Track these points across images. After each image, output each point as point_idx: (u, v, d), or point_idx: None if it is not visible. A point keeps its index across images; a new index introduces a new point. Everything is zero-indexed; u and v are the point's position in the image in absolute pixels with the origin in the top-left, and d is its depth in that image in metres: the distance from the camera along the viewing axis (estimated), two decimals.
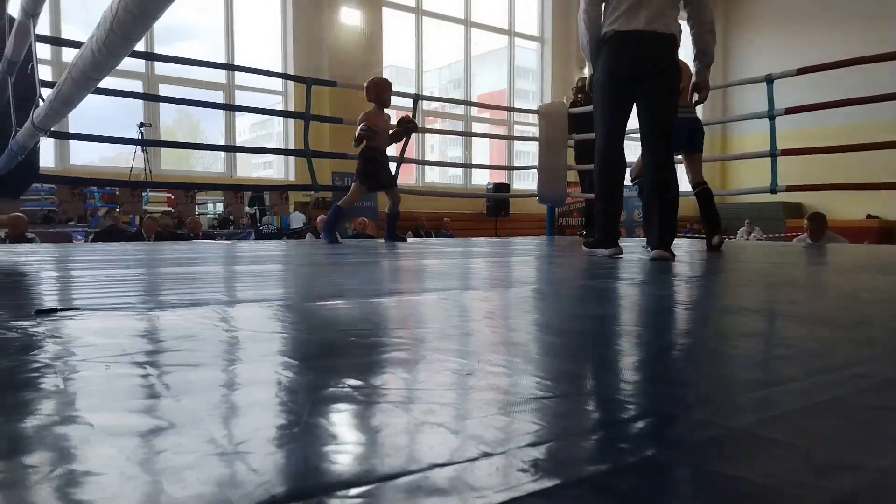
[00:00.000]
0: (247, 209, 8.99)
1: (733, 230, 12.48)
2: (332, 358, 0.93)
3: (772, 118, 4.99)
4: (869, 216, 12.11)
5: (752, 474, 0.49)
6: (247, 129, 11.98)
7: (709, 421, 0.63)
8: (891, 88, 4.60)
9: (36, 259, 3.05)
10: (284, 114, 8.83)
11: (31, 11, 1.95)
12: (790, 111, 4.97)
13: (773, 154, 4.98)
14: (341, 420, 0.63)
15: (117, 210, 7.78)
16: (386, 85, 4.81)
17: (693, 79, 3.24)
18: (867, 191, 9.72)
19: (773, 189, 4.97)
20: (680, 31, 3.05)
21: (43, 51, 6.92)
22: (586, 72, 11.58)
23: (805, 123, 9.64)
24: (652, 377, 0.85)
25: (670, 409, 0.66)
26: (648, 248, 3.14)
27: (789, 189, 5.02)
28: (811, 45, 12.22)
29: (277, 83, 9.32)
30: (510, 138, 11.02)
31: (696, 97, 3.30)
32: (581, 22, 3.05)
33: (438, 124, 11.82)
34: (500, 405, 0.68)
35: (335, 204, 4.99)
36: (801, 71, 4.93)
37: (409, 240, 6.00)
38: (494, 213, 10.50)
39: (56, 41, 6.54)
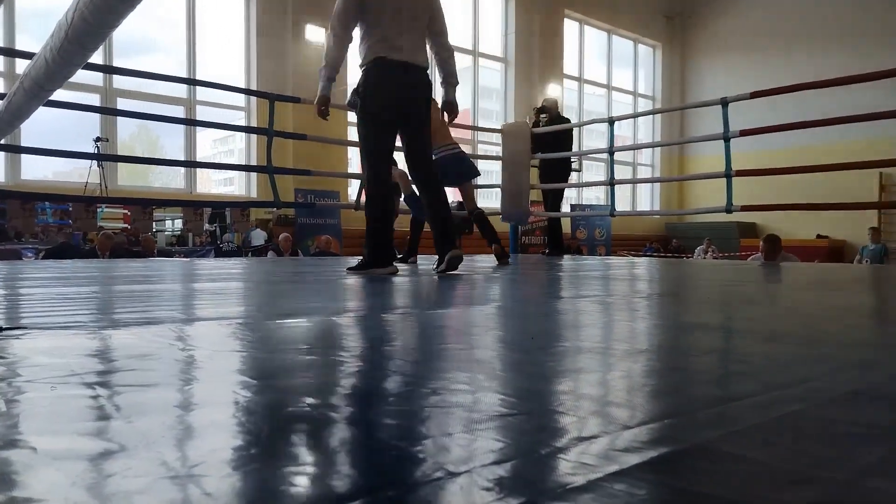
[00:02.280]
0: (206, 226, 8.82)
1: (691, 249, 12.77)
2: (291, 377, 0.91)
3: (727, 140, 5.13)
4: (819, 236, 12.54)
5: (716, 490, 0.50)
6: (208, 145, 11.82)
7: (670, 437, 0.63)
8: (849, 111, 4.80)
9: None
10: (247, 129, 8.73)
11: None
12: (745, 133, 5.13)
13: (728, 175, 5.12)
14: (300, 441, 0.61)
15: (70, 228, 7.55)
16: None
17: (445, 98, 3.35)
18: (817, 211, 10.08)
19: (729, 209, 5.10)
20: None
21: None
22: (549, 92, 11.79)
23: (774, 146, 9.98)
24: (612, 394, 0.85)
25: (632, 427, 0.66)
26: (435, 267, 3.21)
27: (744, 209, 5.16)
28: (767, 70, 12.67)
29: (240, 99, 9.22)
30: (474, 157, 11.10)
31: (447, 117, 3.43)
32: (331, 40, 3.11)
33: None
34: (463, 423, 0.67)
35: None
36: (755, 94, 5.10)
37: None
38: (458, 230, 10.54)
39: (9, 52, 6.35)
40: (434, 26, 3.17)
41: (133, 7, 0.81)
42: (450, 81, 3.29)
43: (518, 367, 1.02)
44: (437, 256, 3.21)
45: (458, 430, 0.64)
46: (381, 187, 3.12)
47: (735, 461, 0.56)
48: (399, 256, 5.05)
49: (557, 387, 0.88)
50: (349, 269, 3.27)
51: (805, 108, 7.55)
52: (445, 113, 3.38)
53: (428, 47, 3.23)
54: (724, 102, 5.16)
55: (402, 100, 3.07)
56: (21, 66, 6.89)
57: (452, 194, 5.11)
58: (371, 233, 3.15)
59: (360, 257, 3.27)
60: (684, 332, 1.49)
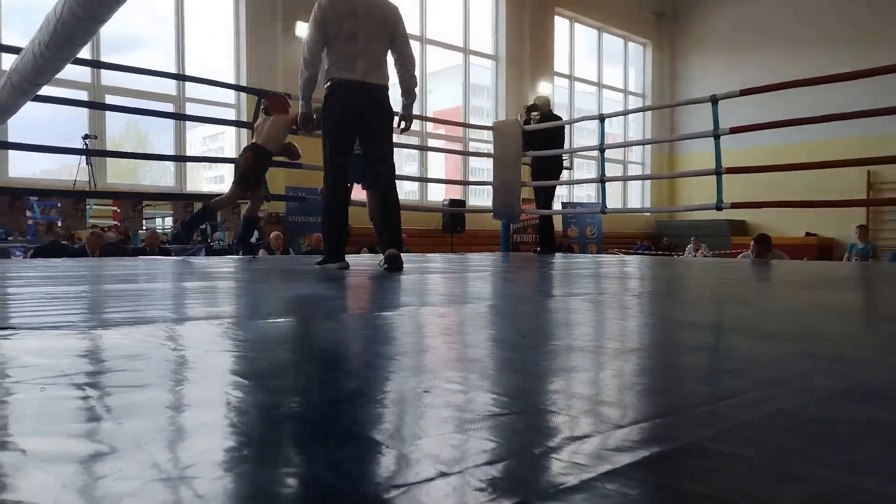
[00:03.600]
0: None
1: (682, 247, 12.83)
2: (284, 377, 0.90)
3: (717, 137, 5.16)
4: (808, 234, 12.62)
5: (707, 488, 0.50)
6: (198, 142, 11.73)
7: (662, 436, 0.63)
8: (838, 109, 4.83)
9: None
10: (236, 123, 8.66)
11: None
12: (734, 130, 5.16)
13: (718, 172, 5.15)
14: (293, 441, 0.61)
15: (59, 224, 7.49)
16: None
17: (401, 111, 3.62)
18: (806, 209, 10.15)
19: (719, 206, 5.13)
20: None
21: None
22: (540, 90, 11.81)
23: (755, 142, 10.02)
24: (604, 393, 0.85)
25: (624, 426, 0.66)
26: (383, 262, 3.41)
27: (734, 206, 5.19)
28: (757, 68, 12.72)
29: (230, 95, 9.16)
30: (465, 154, 11.10)
31: (402, 125, 3.68)
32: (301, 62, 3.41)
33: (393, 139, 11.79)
34: (456, 423, 0.67)
35: (205, 204, 4.93)
36: (745, 92, 5.13)
37: (360, 258, 5.94)
38: (450, 228, 10.52)
39: None
40: (395, 47, 3.45)
41: (123, 1, 0.80)
42: (406, 97, 3.57)
43: (510, 365, 1.02)
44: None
45: (450, 429, 0.64)
46: (333, 192, 3.41)
47: (726, 459, 0.56)
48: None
49: (549, 386, 0.88)
50: (317, 263, 3.56)
51: (795, 106, 7.61)
52: (402, 123, 3.64)
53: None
54: (714, 100, 5.18)
55: (353, 114, 3.35)
56: (7, 61, 6.82)
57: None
58: (326, 233, 3.52)
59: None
60: (675, 330, 1.49)
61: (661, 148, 15.16)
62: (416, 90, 3.56)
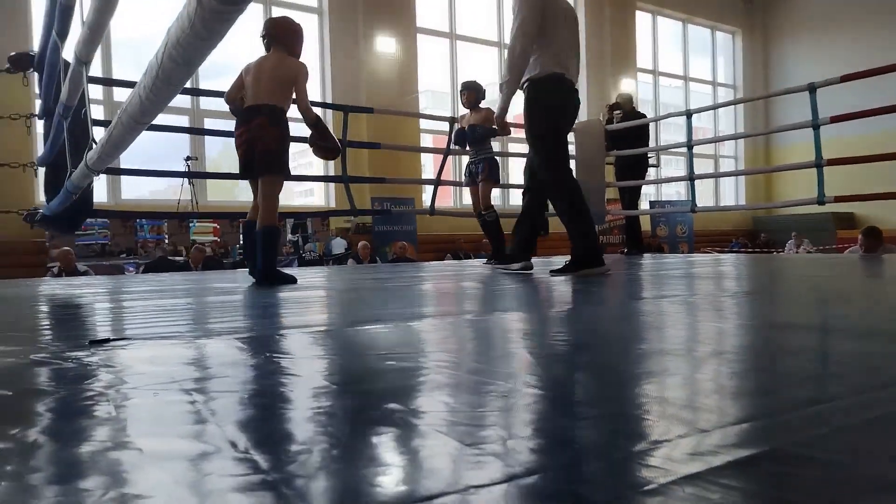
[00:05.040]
0: (289, 237, 9.16)
1: (780, 243, 12.13)
2: (371, 382, 0.94)
3: (816, 128, 4.85)
4: None
5: (799, 496, 0.48)
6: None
7: (754, 440, 0.61)
8: None
9: (91, 291, 3.17)
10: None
11: (84, 59, 2.06)
12: (835, 119, 4.83)
13: (819, 164, 4.84)
14: (381, 443, 0.64)
15: (165, 241, 8.03)
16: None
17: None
18: None
19: (821, 200, 4.82)
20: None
21: (95, 91, 7.24)
22: (622, 88, 11.52)
23: (846, 132, 9.36)
24: (697, 397, 0.83)
25: (718, 428, 0.65)
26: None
27: (837, 199, 4.86)
28: (858, 51, 11.88)
29: (317, 111, 9.54)
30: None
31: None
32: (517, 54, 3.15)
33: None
34: (542, 424, 0.68)
35: (271, 225, 3.22)
36: (845, 78, 4.79)
37: (447, 262, 6.00)
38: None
39: (107, 82, 6.84)
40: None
41: (214, 46, 0.87)
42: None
43: (600, 369, 1.01)
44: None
45: (536, 431, 0.65)
46: (570, 191, 3.20)
47: (823, 466, 0.54)
48: (485, 261, 5.15)
49: (641, 389, 0.87)
50: (553, 271, 3.28)
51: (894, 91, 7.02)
52: None
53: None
54: (812, 88, 4.88)
55: (570, 115, 3.32)
56: (118, 93, 7.40)
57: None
58: (579, 235, 3.18)
59: (567, 260, 3.30)
60: (772, 331, 1.43)
61: (755, 140, 14.41)
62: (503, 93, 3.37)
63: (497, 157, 5.05)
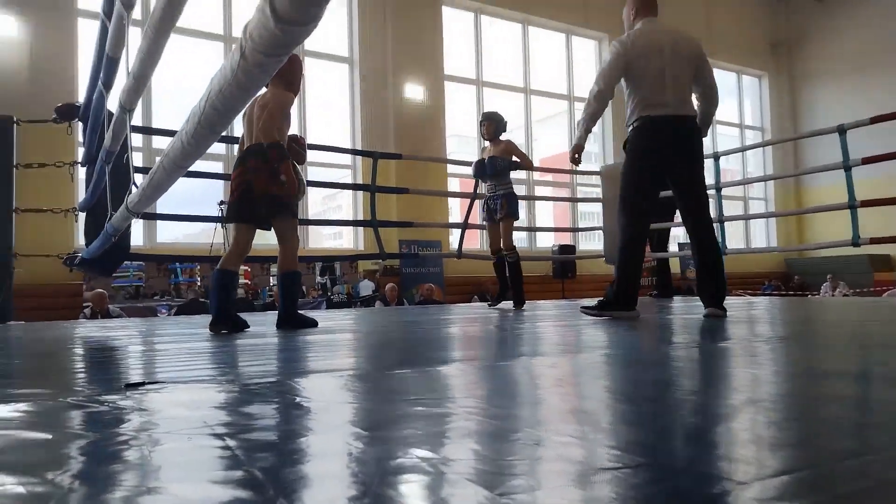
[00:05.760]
0: (318, 279, 9.26)
1: (815, 286, 11.85)
2: (400, 428, 0.94)
3: (847, 169, 4.80)
4: None
5: None
6: (319, 201, 12.47)
7: (795, 492, 0.60)
8: None
9: (125, 334, 3.23)
10: (352, 187, 9.17)
11: (128, 106, 2.16)
12: (867, 161, 4.77)
13: (853, 206, 4.76)
14: (410, 491, 0.63)
15: (198, 284, 8.18)
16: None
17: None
18: None
19: (856, 242, 4.73)
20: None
21: (135, 139, 7.51)
22: None
23: (889, 170, 9.21)
24: (732, 446, 0.81)
25: (752, 481, 0.63)
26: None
27: (873, 241, 4.76)
28: (887, 92, 11.79)
29: (346, 158, 9.74)
30: (574, 200, 11.02)
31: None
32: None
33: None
34: (570, 476, 0.67)
35: (292, 270, 3.14)
36: (875, 120, 4.75)
37: (477, 305, 5.97)
38: (561, 275, 10.38)
39: (149, 130, 7.11)
40: (700, 78, 3.32)
41: (253, 95, 0.91)
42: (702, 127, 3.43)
43: (630, 418, 0.99)
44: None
45: (567, 483, 0.64)
46: (626, 236, 3.28)
47: None
48: (489, 302, 5.06)
49: (676, 439, 0.85)
50: (583, 308, 3.40)
51: None
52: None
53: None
54: (842, 130, 4.85)
55: (664, 152, 3.22)
56: (156, 141, 7.67)
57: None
58: (621, 278, 3.23)
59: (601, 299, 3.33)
60: (810, 379, 1.39)
61: (785, 182, 14.26)
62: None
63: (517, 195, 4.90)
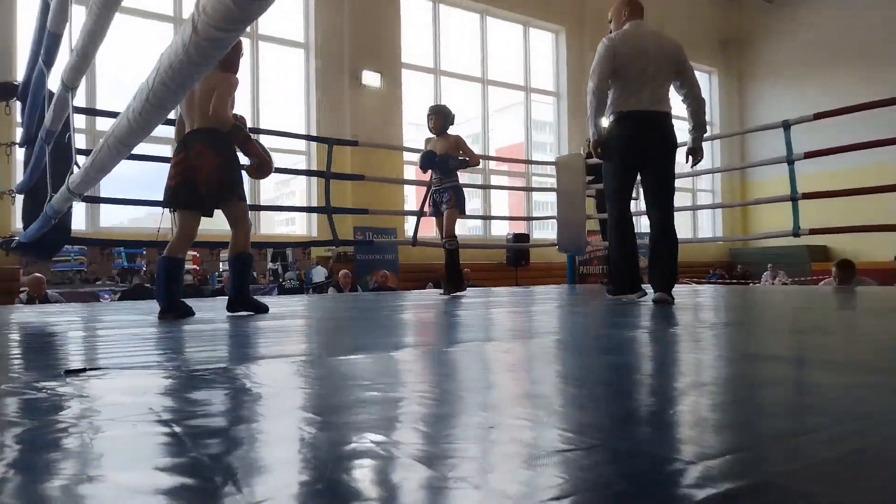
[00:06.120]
0: (269, 265, 9.10)
1: (758, 275, 12.29)
2: (353, 413, 0.93)
3: (791, 163, 4.98)
4: None
5: None
6: (271, 187, 12.24)
7: (737, 472, 0.62)
8: None
9: (65, 319, 3.11)
10: (306, 173, 9.03)
11: (71, 84, 2.06)
12: (809, 155, 4.96)
13: (794, 198, 4.95)
14: (363, 476, 0.63)
15: (143, 270, 7.94)
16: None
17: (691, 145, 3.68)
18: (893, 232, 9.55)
19: (796, 233, 4.92)
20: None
21: (78, 120, 7.20)
22: (603, 123, 11.74)
23: (829, 165, 9.59)
24: (677, 427, 0.83)
25: (697, 461, 0.65)
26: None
27: (812, 232, 4.96)
28: (831, 90, 12.25)
29: (301, 143, 9.57)
30: (529, 189, 11.12)
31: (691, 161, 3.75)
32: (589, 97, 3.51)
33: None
34: (523, 459, 0.67)
35: (245, 252, 3.19)
36: (818, 116, 4.94)
37: (430, 291, 5.98)
38: (515, 262, 10.49)
39: (92, 112, 6.81)
40: (680, 79, 3.52)
41: (205, 72, 0.88)
42: (696, 129, 3.63)
43: (581, 402, 1.01)
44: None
45: (518, 465, 0.65)
46: (622, 223, 3.55)
47: (801, 498, 0.54)
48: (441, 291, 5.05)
49: (619, 422, 0.87)
50: (608, 292, 3.72)
51: (874, 126, 7.24)
52: (690, 157, 3.71)
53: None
54: (786, 125, 5.02)
55: (637, 144, 3.42)
56: (100, 123, 7.38)
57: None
58: (615, 265, 3.57)
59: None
60: (750, 362, 1.44)
61: (731, 175, 14.72)
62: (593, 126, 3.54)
63: (463, 188, 4.92)
